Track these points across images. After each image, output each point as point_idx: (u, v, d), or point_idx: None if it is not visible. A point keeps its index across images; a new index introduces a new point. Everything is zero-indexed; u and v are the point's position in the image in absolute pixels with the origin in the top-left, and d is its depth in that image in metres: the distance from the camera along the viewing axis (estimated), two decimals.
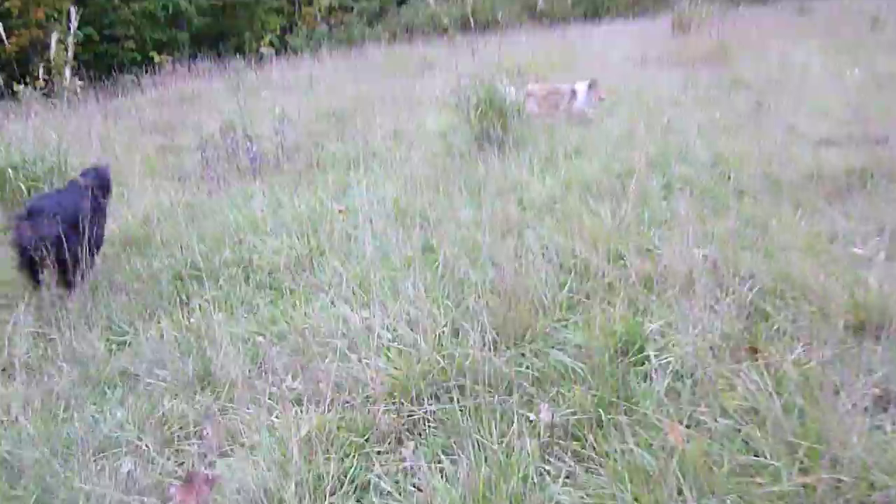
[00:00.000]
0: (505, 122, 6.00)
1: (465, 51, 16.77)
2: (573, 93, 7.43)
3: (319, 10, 21.61)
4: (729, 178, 4.73)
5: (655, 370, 2.55)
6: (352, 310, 3.25)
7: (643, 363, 2.68)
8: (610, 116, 7.43)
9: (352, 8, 23.25)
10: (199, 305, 3.53)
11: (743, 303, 2.96)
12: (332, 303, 3.48)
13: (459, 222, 4.36)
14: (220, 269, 4.08)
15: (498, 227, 4.01)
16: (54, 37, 15.43)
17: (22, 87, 13.07)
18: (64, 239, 3.55)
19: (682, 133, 6.23)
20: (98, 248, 4.18)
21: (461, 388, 2.54)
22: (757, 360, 2.53)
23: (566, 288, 3.30)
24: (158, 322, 3.48)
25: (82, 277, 3.82)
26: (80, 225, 3.77)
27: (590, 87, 7.39)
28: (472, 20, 24.14)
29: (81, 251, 3.73)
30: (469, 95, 6.19)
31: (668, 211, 4.17)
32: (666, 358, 2.63)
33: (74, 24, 6.90)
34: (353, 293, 3.49)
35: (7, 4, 14.39)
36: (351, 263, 3.92)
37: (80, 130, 8.75)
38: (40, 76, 14.89)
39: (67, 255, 3.64)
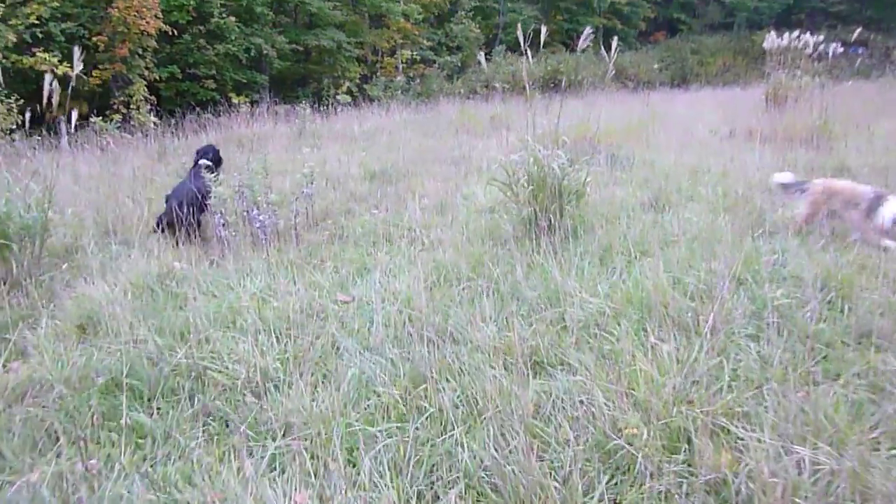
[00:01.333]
0: (560, 205, 4.94)
1: (541, 112, 16.00)
2: (878, 200, 4.79)
3: (401, 62, 21.25)
4: (842, 309, 3.51)
5: None
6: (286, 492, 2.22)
7: None
8: (689, 201, 6.26)
9: (434, 61, 22.84)
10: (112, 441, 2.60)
11: None
12: (273, 465, 2.47)
13: (475, 344, 3.30)
14: (165, 382, 3.15)
15: (520, 361, 2.94)
16: (136, 73, 15.58)
17: (98, 119, 13.01)
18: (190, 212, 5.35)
19: (776, 236, 5.02)
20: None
21: None
22: None
23: (596, 491, 2.18)
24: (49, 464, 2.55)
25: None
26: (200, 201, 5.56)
27: None
28: (556, 80, 23.17)
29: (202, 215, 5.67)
30: (518, 171, 5.17)
31: (757, 360, 2.99)
32: None
33: None
34: (306, 450, 2.48)
35: (94, 39, 14.41)
36: (322, 392, 2.93)
37: (121, 171, 8.18)
38: (118, 109, 15.02)
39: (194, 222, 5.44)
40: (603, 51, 5.76)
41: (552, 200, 4.90)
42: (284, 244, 5.25)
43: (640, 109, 15.81)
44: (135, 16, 14.17)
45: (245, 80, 17.49)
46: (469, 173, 8.10)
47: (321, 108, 16.70)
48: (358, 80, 20.31)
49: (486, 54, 24.23)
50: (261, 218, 4.97)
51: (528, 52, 5.41)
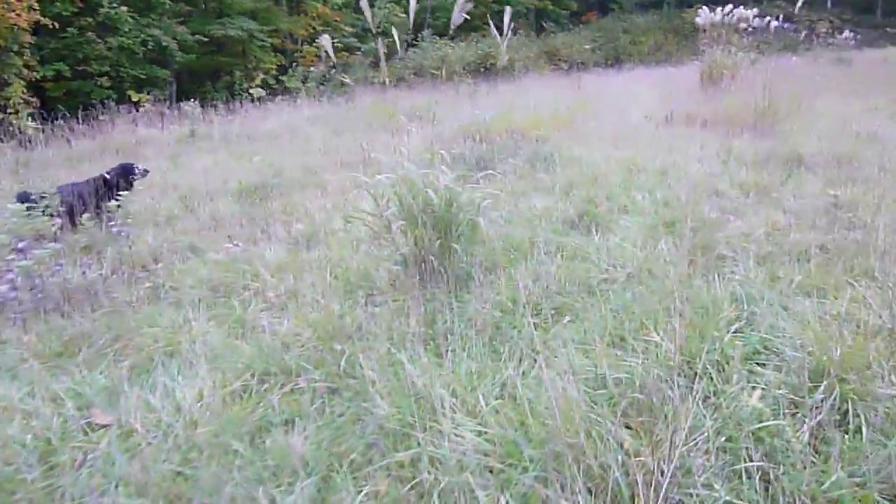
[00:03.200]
0: (446, 243, 3.51)
1: (465, 100, 14.55)
2: None
3: (318, 50, 19.48)
4: (856, 427, 2.19)
5: None
6: None
7: None
8: (622, 214, 4.92)
9: (358, 48, 21.13)
10: None
11: None
12: None
13: None
14: None
15: None
16: (11, 72, 13.52)
17: None
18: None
19: (732, 265, 3.72)
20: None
21: None
22: None
23: None
24: None
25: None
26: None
27: None
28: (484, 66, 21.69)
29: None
30: (392, 198, 3.71)
31: None
32: None
33: None
34: None
35: None
36: None
37: None
38: None
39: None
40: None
41: (435, 236, 3.47)
42: (64, 315, 3.69)
43: (573, 93, 14.52)
44: (2, 8, 12.14)
45: (145, 76, 15.53)
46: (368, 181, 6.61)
47: (230, 104, 14.97)
48: (275, 72, 18.51)
49: (413, 39, 22.69)
50: (14, 277, 3.39)
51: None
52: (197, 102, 12.01)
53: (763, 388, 2.34)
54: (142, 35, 14.67)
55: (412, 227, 3.45)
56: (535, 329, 2.96)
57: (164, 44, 15.04)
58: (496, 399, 2.29)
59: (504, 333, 2.95)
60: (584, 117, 10.06)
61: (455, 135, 9.05)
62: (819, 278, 3.42)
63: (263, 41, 17.75)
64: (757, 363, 2.56)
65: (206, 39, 16.50)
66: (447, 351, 2.67)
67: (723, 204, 5.13)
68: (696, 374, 2.39)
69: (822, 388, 2.28)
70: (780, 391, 2.32)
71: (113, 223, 4.26)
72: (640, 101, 12.02)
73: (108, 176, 5.62)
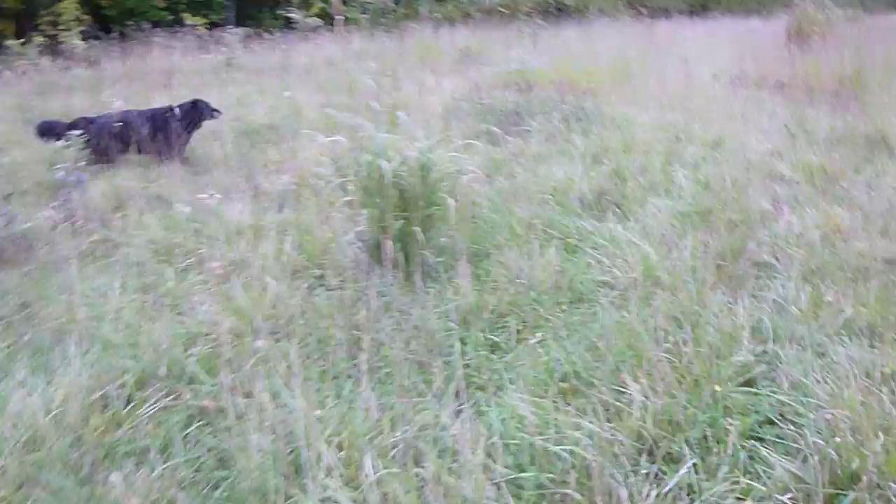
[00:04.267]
0: (408, 226, 2.87)
1: (525, 43, 13.47)
2: None
3: None
4: None
5: None
6: None
7: None
8: (653, 196, 4.13)
9: None
10: None
11: None
12: None
13: None
14: None
15: None
16: None
17: (17, 42, 10.91)
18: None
19: (769, 280, 2.96)
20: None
21: None
22: None
23: None
24: None
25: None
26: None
27: None
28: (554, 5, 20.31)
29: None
30: (353, 166, 3.06)
31: None
32: None
33: None
34: None
35: None
36: None
37: None
38: (44, 31, 12.80)
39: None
40: None
41: (396, 216, 2.83)
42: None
43: (643, 42, 13.25)
44: None
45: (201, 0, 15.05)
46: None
47: (283, 33, 14.39)
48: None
49: None
50: None
51: None
52: (246, 30, 11.42)
53: (762, 490, 1.66)
54: None
55: (369, 203, 2.82)
56: (492, 351, 2.33)
57: None
58: (387, 466, 1.69)
59: (446, 353, 2.32)
60: (645, 71, 9.00)
61: (497, 82, 8.23)
62: (877, 311, 2.63)
63: None
64: (763, 442, 1.87)
65: None
66: (362, 376, 2.07)
67: (779, 191, 4.26)
68: (671, 456, 1.73)
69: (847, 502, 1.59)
70: (787, 497, 1.64)
71: (63, 166, 3.78)
72: (716, 57, 10.77)
73: (176, 110, 5.26)
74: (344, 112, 6.74)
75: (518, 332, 2.47)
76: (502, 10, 20.02)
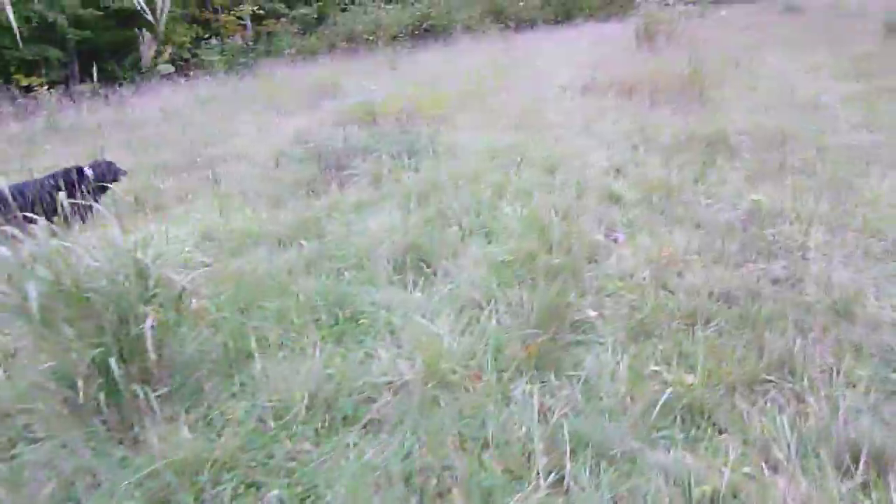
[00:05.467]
0: (104, 354, 2.12)
1: (384, 70, 12.95)
2: None
3: (239, 19, 17.60)
4: None
5: None
6: None
7: None
8: (476, 237, 3.56)
9: (285, 15, 19.22)
10: None
11: None
12: None
13: None
14: None
15: None
16: None
17: None
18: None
19: (592, 339, 2.42)
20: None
21: None
22: None
23: None
24: None
25: None
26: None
27: None
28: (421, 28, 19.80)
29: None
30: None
31: None
32: None
33: None
34: None
35: None
36: None
37: None
38: None
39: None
40: None
41: (92, 340, 2.09)
42: None
43: (502, 56, 13.00)
44: None
45: (32, 57, 13.67)
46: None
47: (118, 85, 13.26)
48: (190, 45, 16.65)
49: (346, 2, 20.77)
50: None
51: None
52: (41, 92, 10.27)
53: None
54: (18, 11, 12.72)
55: (54, 327, 2.07)
56: None
57: (49, 20, 13.14)
58: None
59: None
60: (498, 88, 8.61)
61: (342, 117, 7.59)
62: (703, 381, 2.11)
63: (173, 10, 15.82)
64: None
65: (100, 13, 14.57)
66: None
67: (615, 216, 3.80)
68: None
69: None
70: None
71: None
72: (571, 64, 10.57)
73: (87, 171, 4.62)
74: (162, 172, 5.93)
75: (237, 495, 1.78)
76: (367, 37, 19.52)
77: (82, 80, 14.80)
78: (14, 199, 3.91)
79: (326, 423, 2.05)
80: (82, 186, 4.50)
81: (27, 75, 13.77)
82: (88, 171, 4.65)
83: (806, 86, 6.86)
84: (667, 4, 11.52)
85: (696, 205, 3.86)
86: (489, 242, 3.50)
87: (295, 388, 2.15)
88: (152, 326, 2.06)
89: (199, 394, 2.27)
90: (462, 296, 2.84)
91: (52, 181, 4.49)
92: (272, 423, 2.02)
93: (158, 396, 2.16)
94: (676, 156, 4.86)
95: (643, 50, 10.59)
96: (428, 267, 3.20)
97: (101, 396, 2.06)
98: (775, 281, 2.87)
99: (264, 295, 2.95)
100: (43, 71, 14.50)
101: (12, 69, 13.67)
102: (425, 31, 21.70)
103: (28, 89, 12.90)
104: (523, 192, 4.22)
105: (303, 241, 3.67)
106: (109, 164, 4.93)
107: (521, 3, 27.85)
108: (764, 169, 4.33)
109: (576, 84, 8.20)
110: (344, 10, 20.37)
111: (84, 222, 4.37)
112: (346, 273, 3.20)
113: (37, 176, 4.66)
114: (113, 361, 2.02)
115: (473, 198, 4.13)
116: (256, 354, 2.32)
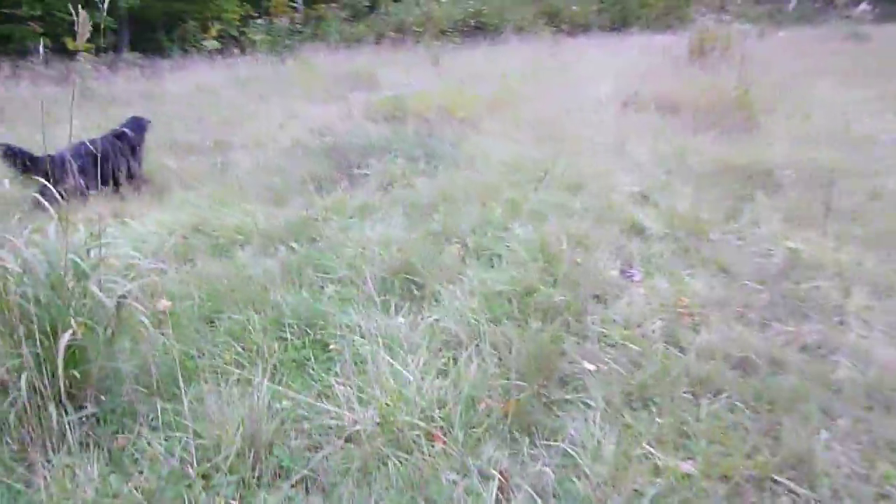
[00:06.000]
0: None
1: (425, 65, 12.63)
2: None
3: (291, 0, 17.45)
4: None
5: None
6: None
7: None
8: (477, 265, 3.26)
9: (336, 0, 19.05)
10: None
11: None
12: None
13: None
14: None
15: None
16: None
17: None
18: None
19: (578, 410, 2.09)
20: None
21: None
22: None
23: None
24: None
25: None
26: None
27: None
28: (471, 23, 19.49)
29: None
30: None
31: None
32: None
33: None
34: None
35: None
36: None
37: None
38: None
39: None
40: None
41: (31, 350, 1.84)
42: None
43: (547, 60, 12.60)
44: None
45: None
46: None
47: (172, 58, 13.27)
48: (239, 23, 16.60)
49: None
50: None
51: None
52: (82, 59, 10.16)
53: None
54: None
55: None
56: None
57: None
58: None
59: None
60: (535, 94, 8.24)
61: (369, 111, 7.32)
62: (706, 475, 1.77)
63: None
64: None
65: None
66: None
67: (634, 250, 3.44)
68: None
69: None
70: None
71: None
72: (616, 74, 10.12)
73: (127, 131, 4.81)
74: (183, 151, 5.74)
75: None
76: (416, 29, 19.26)
77: (133, 50, 14.85)
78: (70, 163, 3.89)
79: (256, 475, 1.76)
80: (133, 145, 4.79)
81: (74, 41, 13.84)
82: (128, 132, 4.79)
83: (864, 121, 6.34)
84: (724, 21, 11.01)
85: (725, 246, 3.48)
86: (491, 267, 3.19)
87: (231, 424, 1.87)
88: (72, 340, 1.80)
89: (132, 418, 2.01)
90: (447, 329, 2.54)
91: (103, 145, 4.54)
92: (194, 469, 1.75)
93: (81, 419, 1.91)
94: (712, 186, 4.47)
95: (695, 66, 10.10)
96: (419, 289, 2.90)
97: (11, 416, 1.81)
98: (804, 348, 2.49)
99: (235, 304, 2.68)
100: (90, 37, 14.56)
101: (60, 31, 13.75)
102: (475, 28, 21.32)
103: (73, 53, 12.95)
104: (539, 213, 3.88)
105: (294, 244, 3.41)
106: (138, 120, 5.06)
107: (576, 8, 27.30)
108: (807, 211, 3.91)
109: (617, 96, 7.78)
110: (397, 0, 20.11)
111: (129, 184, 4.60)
112: (328, 287, 2.92)
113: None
114: (23, 377, 1.77)
115: (484, 215, 3.82)
116: (201, 378, 2.06)
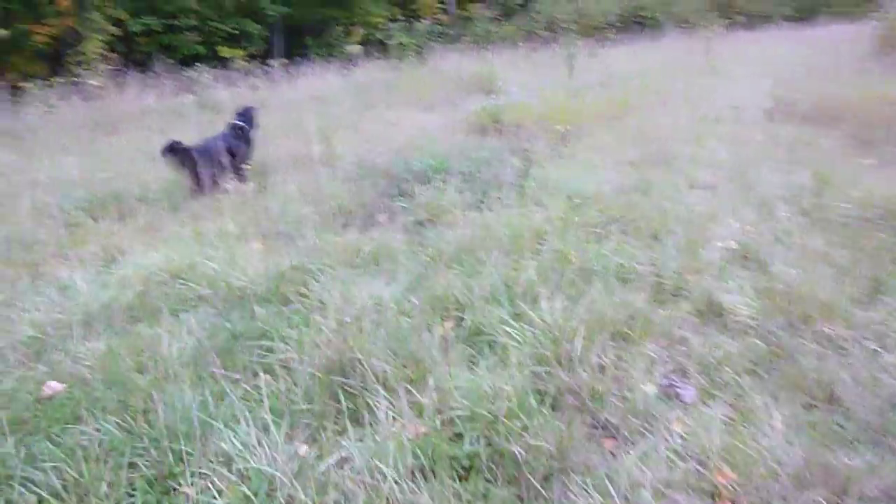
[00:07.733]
0: None
1: (559, 66, 11.47)
2: None
3: (440, 2, 17.02)
4: None
5: None
6: None
7: None
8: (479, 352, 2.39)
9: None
10: None
11: None
12: None
13: None
14: None
15: None
16: (90, 28, 12.86)
17: (33, 84, 10.44)
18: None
19: None
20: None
21: None
22: None
23: None
24: None
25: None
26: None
27: None
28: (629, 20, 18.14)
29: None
30: None
31: None
32: None
33: None
34: None
35: None
36: None
37: None
38: (70, 70, 12.40)
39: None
40: None
41: None
42: None
43: (698, 59, 10.99)
44: None
45: (236, 31, 14.30)
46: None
47: (310, 63, 13.33)
48: (384, 25, 16.49)
49: None
50: None
51: None
52: (196, 69, 10.27)
53: None
54: None
55: None
56: None
57: None
58: None
59: None
60: (656, 101, 6.97)
61: (461, 123, 6.53)
62: None
63: None
64: None
65: None
66: None
67: (697, 348, 2.36)
68: None
69: None
70: None
71: None
72: (771, 75, 8.42)
73: (243, 124, 5.15)
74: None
75: None
76: (567, 27, 18.07)
77: (287, 56, 15.28)
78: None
79: None
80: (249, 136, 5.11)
81: (229, 48, 14.46)
82: (245, 126, 5.10)
83: None
84: None
85: (847, 357, 2.28)
86: (476, 366, 2.29)
87: None
88: None
89: None
90: (362, 482, 1.72)
91: (229, 137, 4.93)
92: None
93: None
94: (853, 241, 3.17)
95: (879, 63, 8.15)
96: (350, 400, 2.09)
97: None
98: None
99: (102, 409, 2.06)
100: (243, 46, 15.17)
101: (216, 41, 14.43)
102: (634, 24, 19.58)
103: (226, 61, 13.46)
104: (587, 273, 2.89)
105: (256, 307, 2.74)
106: (249, 109, 5.35)
107: None
108: None
109: (758, 103, 6.32)
110: None
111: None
112: (238, 388, 2.19)
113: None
114: None
115: (510, 276, 2.89)
116: None
